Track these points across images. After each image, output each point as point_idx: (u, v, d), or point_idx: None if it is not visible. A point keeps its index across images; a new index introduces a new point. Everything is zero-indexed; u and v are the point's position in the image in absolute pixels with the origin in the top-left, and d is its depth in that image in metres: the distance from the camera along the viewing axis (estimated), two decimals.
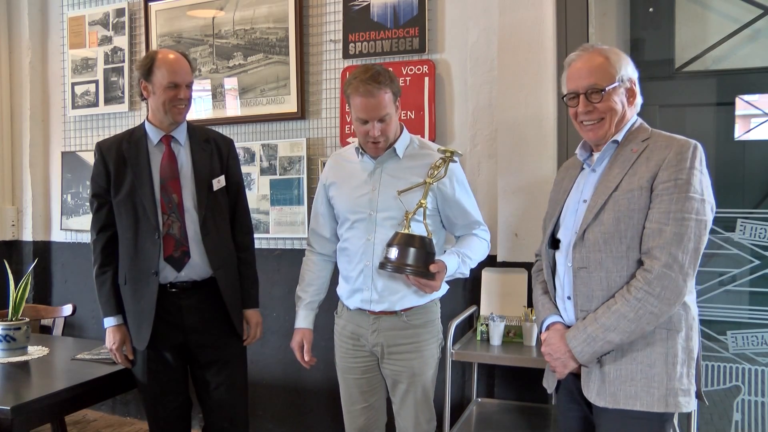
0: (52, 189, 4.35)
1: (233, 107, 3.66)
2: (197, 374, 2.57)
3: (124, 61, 3.99)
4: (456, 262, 2.25)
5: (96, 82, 4.08)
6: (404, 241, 2.17)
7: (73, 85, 4.16)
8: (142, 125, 2.54)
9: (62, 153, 4.25)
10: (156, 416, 2.53)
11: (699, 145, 1.76)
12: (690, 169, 1.71)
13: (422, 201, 2.20)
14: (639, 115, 1.94)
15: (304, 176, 3.47)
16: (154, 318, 2.41)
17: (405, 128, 2.38)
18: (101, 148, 2.51)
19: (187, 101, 2.48)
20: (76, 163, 4.18)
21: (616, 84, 1.83)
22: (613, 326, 1.71)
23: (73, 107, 4.17)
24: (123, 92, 4.00)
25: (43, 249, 4.33)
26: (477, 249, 2.36)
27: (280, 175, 3.54)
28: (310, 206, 3.45)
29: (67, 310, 3.40)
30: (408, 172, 2.29)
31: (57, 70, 4.29)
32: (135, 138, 2.51)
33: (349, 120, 3.35)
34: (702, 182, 1.73)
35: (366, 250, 2.30)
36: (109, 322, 2.48)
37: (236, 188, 2.64)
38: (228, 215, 2.59)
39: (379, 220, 2.29)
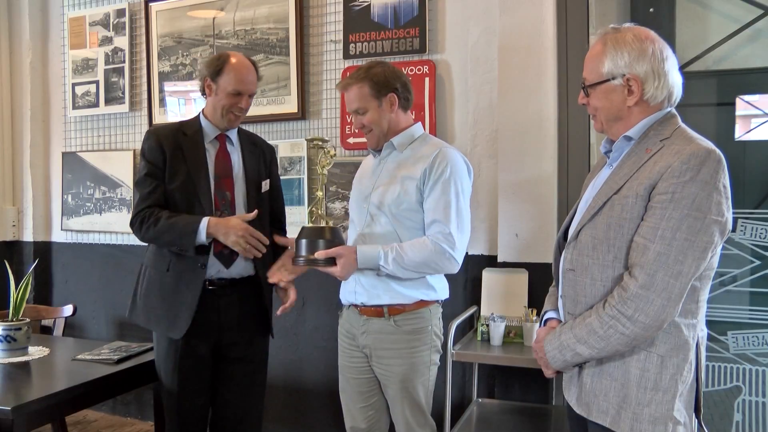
0: (52, 189, 4.35)
1: None
2: (222, 369, 2.55)
3: (124, 62, 3.99)
4: (375, 254, 2.18)
5: (96, 82, 4.09)
6: (305, 234, 2.24)
7: (74, 85, 4.17)
8: (197, 119, 2.54)
9: (63, 153, 4.25)
10: (179, 414, 2.48)
11: (716, 154, 1.53)
12: (692, 182, 1.50)
13: (318, 192, 2.24)
14: None
15: (305, 177, 3.47)
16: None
17: (417, 125, 2.38)
18: (158, 135, 2.48)
19: (245, 111, 2.51)
20: (77, 164, 4.18)
21: (601, 80, 1.67)
22: (584, 339, 1.61)
23: (74, 108, 4.18)
24: (124, 93, 4.00)
25: (44, 249, 4.33)
26: (414, 249, 2.19)
27: (280, 175, 3.52)
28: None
29: (68, 310, 3.39)
30: (402, 168, 2.29)
31: (57, 70, 4.29)
32: (191, 131, 2.50)
33: (349, 121, 3.36)
34: (711, 198, 1.51)
35: (356, 243, 2.32)
36: (205, 221, 2.34)
37: (277, 193, 2.69)
38: (269, 217, 2.62)
39: (370, 210, 2.31)
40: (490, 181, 3.04)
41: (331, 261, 2.19)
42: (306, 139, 2.27)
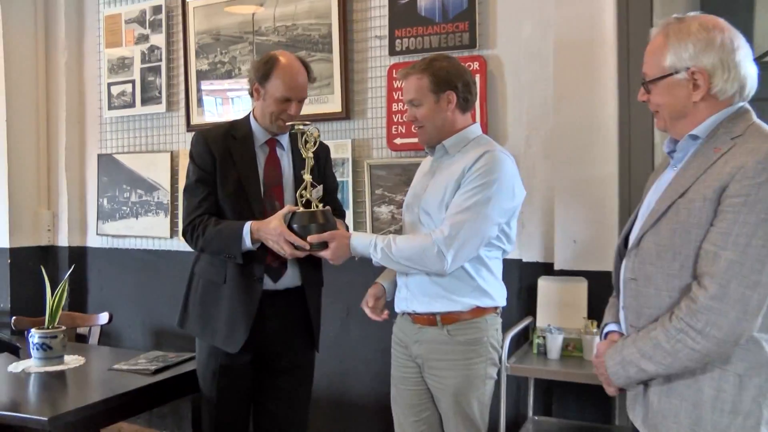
0: (88, 193, 4.33)
1: None
2: (267, 380, 2.51)
3: (161, 60, 3.94)
4: (368, 242, 2.18)
5: (133, 82, 4.04)
6: (297, 220, 2.22)
7: (110, 85, 4.13)
8: (247, 120, 2.46)
9: (98, 155, 4.22)
10: (217, 425, 2.45)
11: None
12: None
13: (306, 176, 2.25)
14: None
15: (350, 179, 3.37)
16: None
17: (473, 126, 2.31)
18: (206, 138, 2.40)
19: (296, 117, 2.41)
20: (113, 166, 4.15)
21: (663, 75, 1.59)
22: (649, 354, 1.53)
23: (110, 108, 4.14)
24: (160, 92, 3.95)
25: (79, 254, 4.31)
26: (408, 241, 2.16)
27: None
28: (355, 210, 3.40)
29: (104, 318, 3.39)
30: (449, 172, 2.22)
31: (93, 70, 4.27)
32: (241, 134, 2.42)
33: (396, 120, 3.27)
34: None
35: None
36: (248, 226, 2.27)
37: (332, 196, 2.59)
38: None
39: (420, 215, 2.26)
40: (546, 183, 2.93)
41: (324, 245, 2.20)
42: (288, 125, 2.33)
